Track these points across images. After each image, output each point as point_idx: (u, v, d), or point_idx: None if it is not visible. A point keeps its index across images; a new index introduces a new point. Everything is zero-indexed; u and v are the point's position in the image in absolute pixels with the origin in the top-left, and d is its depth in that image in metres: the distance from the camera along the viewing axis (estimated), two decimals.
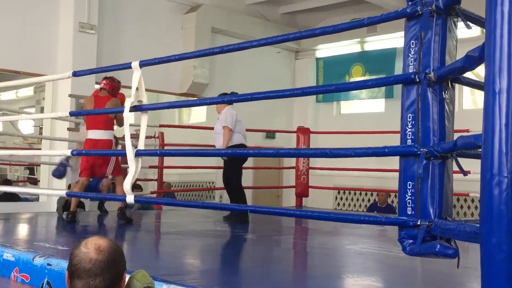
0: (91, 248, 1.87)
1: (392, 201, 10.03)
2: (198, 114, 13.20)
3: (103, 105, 5.62)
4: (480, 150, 1.58)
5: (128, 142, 3.83)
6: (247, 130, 9.11)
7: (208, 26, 10.81)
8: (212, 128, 10.02)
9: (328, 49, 12.31)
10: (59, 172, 5.98)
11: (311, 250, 5.01)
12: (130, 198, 3.80)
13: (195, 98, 9.90)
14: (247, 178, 10.92)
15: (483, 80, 1.58)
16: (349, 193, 11.51)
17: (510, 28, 1.48)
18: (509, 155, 1.46)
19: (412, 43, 2.25)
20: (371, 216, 2.55)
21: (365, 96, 11.71)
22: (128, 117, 3.89)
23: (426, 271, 3.62)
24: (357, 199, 11.46)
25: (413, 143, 2.23)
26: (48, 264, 3.34)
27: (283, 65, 12.46)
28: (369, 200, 11.07)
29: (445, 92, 2.20)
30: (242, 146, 6.42)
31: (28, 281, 3.45)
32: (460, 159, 2.17)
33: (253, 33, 10.63)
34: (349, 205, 11.60)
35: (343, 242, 5.18)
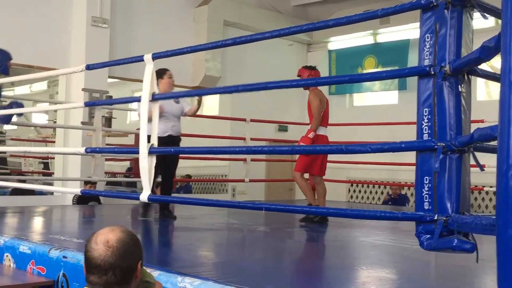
0: (100, 243, 1.89)
1: (406, 194, 10.00)
2: (210, 107, 13.20)
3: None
4: (496, 142, 1.56)
5: (143, 137, 3.78)
6: (259, 121, 9.15)
7: (220, 19, 10.81)
8: (225, 118, 10.10)
9: (340, 41, 12.26)
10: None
11: (324, 242, 5.01)
12: (144, 196, 3.71)
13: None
14: (260, 171, 10.95)
15: (498, 72, 1.56)
16: (362, 186, 11.49)
17: None
18: None
19: (427, 36, 2.23)
20: (387, 211, 2.53)
21: (378, 88, 11.65)
22: (145, 111, 3.84)
23: (441, 263, 3.61)
24: (370, 192, 11.44)
25: (429, 138, 2.21)
26: (64, 257, 3.36)
27: (295, 58, 12.44)
28: (382, 193, 11.05)
29: (461, 85, 2.18)
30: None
31: (44, 273, 3.48)
32: (476, 153, 2.16)
33: (265, 26, 10.61)
34: (362, 197, 11.57)
35: (357, 234, 5.17)
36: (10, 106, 5.82)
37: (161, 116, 5.58)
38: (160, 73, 5.68)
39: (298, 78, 5.94)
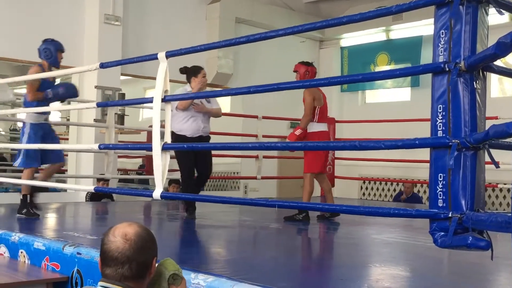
0: (118, 236, 1.90)
1: (418, 191, 9.96)
2: (222, 105, 13.21)
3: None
4: None
5: (156, 134, 3.76)
6: (271, 119, 9.14)
7: (232, 17, 10.82)
8: (237, 115, 10.10)
9: (352, 38, 12.22)
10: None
11: (337, 239, 5.01)
12: (157, 193, 3.69)
13: (220, 89, 9.93)
14: (272, 168, 10.95)
15: None
16: (374, 183, 11.45)
17: None
18: None
19: (442, 32, 2.21)
20: (401, 209, 2.52)
21: (390, 85, 11.60)
22: (159, 108, 3.82)
23: (455, 261, 3.59)
24: (383, 189, 11.40)
25: (444, 135, 2.20)
26: (78, 253, 3.39)
27: (307, 55, 12.38)
28: (394, 190, 11.01)
29: (476, 82, 2.16)
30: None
31: (59, 269, 3.51)
32: (491, 150, 2.14)
33: (277, 23, 10.59)
34: (375, 195, 11.54)
35: (369, 231, 5.16)
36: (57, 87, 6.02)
37: (191, 116, 5.60)
38: (195, 71, 5.65)
39: (295, 73, 5.89)
